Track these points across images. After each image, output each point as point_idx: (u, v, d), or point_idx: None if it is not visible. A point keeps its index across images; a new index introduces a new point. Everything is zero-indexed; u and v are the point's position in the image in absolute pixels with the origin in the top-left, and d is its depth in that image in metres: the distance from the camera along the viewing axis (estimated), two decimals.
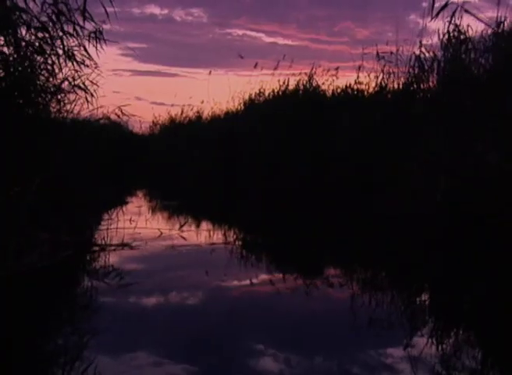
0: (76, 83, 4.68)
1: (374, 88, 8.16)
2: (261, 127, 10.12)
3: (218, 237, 5.27)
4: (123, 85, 25.25)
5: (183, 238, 4.92)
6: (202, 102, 14.23)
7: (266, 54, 31.98)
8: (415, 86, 7.13)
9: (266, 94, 11.17)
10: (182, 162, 13.36)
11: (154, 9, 27.01)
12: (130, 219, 5.76)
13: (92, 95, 5.10)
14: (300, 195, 8.39)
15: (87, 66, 4.69)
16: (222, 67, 28.96)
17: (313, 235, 5.63)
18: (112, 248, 4.24)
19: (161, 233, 5.09)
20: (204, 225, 6.24)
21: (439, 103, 6.07)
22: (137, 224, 5.47)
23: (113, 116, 5.77)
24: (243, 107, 11.87)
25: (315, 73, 9.87)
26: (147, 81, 25.53)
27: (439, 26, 8.34)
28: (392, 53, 7.56)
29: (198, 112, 14.23)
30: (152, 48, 26.17)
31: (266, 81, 11.43)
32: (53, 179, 3.53)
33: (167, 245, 4.53)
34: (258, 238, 5.63)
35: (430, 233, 5.20)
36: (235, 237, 5.49)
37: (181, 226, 5.49)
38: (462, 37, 6.24)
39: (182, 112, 15.02)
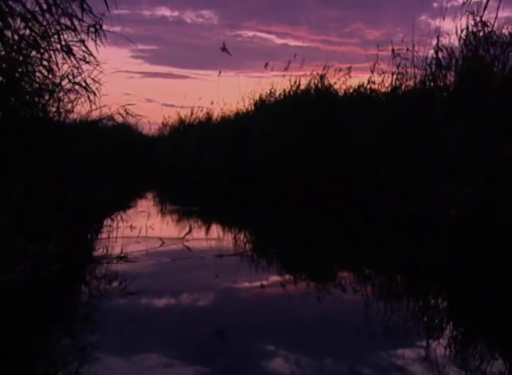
0: (76, 80, 4.44)
1: (388, 88, 7.88)
2: (272, 127, 9.92)
3: (226, 245, 4.75)
4: (134, 87, 25.20)
5: (188, 248, 4.41)
6: (212, 103, 14.10)
7: (277, 55, 31.82)
8: (432, 84, 6.85)
9: (277, 94, 11.01)
10: (191, 163, 13.20)
11: (165, 11, 26.91)
12: (131, 226, 5.32)
13: (94, 94, 4.87)
14: (311, 196, 8.14)
15: (88, 62, 4.45)
16: (233, 69, 28.73)
17: (325, 236, 5.46)
18: (106, 261, 3.76)
19: (163, 242, 4.60)
20: (212, 230, 5.81)
21: (459, 100, 5.78)
22: (138, 232, 5.01)
23: (117, 116, 5.47)
24: (253, 107, 11.67)
25: (327, 72, 9.63)
26: (158, 83, 25.41)
27: (451, 27, 8.08)
28: (408, 50, 7.29)
29: (208, 113, 14.08)
30: (163, 49, 26.08)
31: (277, 82, 11.26)
32: (43, 183, 3.25)
33: (168, 257, 4.04)
34: (270, 245, 5.11)
35: (450, 236, 4.95)
36: (244, 246, 4.93)
37: (185, 235, 4.99)
38: (487, 29, 5.99)
39: (191, 113, 14.87)
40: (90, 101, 4.85)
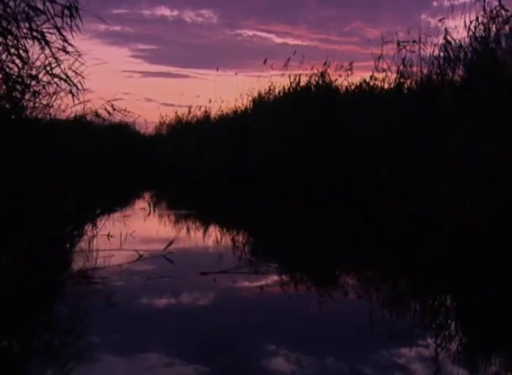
0: (55, 72, 4.06)
1: (391, 84, 7.51)
2: (271, 125, 9.58)
3: (216, 257, 4.05)
4: (133, 86, 25.02)
5: (170, 261, 3.79)
6: (210, 101, 13.72)
7: (277, 55, 31.51)
8: (439, 77, 6.48)
9: (276, 91, 10.67)
10: (190, 162, 12.87)
11: (165, 11, 26.72)
12: (109, 235, 4.61)
13: (77, 88, 4.48)
14: (312, 195, 7.79)
15: (67, 52, 4.07)
16: (233, 68, 28.44)
17: (326, 237, 5.20)
18: (63, 280, 3.14)
19: (140, 256, 3.91)
20: (205, 238, 5.14)
21: (468, 92, 5.41)
22: (115, 243, 4.31)
23: (103, 112, 5.02)
24: (252, 105, 11.31)
25: (328, 68, 9.25)
26: (158, 82, 25.19)
27: (455, 24, 7.81)
28: (414, 42, 6.92)
29: (206, 111, 13.73)
30: (162, 49, 25.83)
31: (276, 81, 10.94)
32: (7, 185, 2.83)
33: (142, 276, 3.34)
34: (267, 254, 4.58)
35: (452, 236, 4.63)
36: (238, 258, 4.10)
37: (167, 246, 4.18)
38: (506, 14, 5.67)
39: (189, 111, 14.52)
40: (72, 95, 4.47)
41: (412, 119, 6.31)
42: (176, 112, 15.34)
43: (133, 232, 4.87)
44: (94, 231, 4.84)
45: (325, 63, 9.08)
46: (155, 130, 16.31)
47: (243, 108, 11.72)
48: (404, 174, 5.73)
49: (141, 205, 7.87)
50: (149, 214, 6.69)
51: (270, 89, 10.80)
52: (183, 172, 12.93)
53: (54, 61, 4.03)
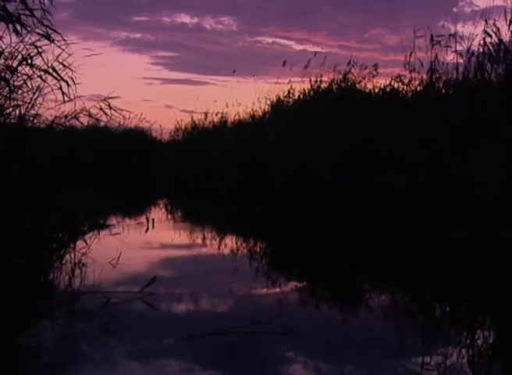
0: (35, 64, 3.48)
1: (422, 84, 6.82)
2: (290, 130, 8.93)
3: (214, 306, 3.04)
4: (154, 93, 24.90)
5: (150, 306, 2.89)
6: (227, 106, 13.15)
7: (296, 61, 31.10)
8: (478, 76, 5.79)
9: (296, 95, 10.08)
10: (205, 168, 12.32)
11: (185, 18, 26.62)
12: (79, 264, 3.70)
13: (67, 84, 3.91)
14: (336, 206, 7.08)
15: (52, 41, 3.49)
16: (252, 75, 28.04)
17: (352, 252, 4.79)
18: None
19: (108, 300, 2.93)
20: (208, 265, 4.18)
21: None
22: (90, 274, 3.46)
23: (96, 111, 4.41)
24: (270, 109, 10.70)
25: (351, 69, 8.61)
26: (178, 89, 24.96)
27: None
28: (451, 36, 6.24)
29: (223, 116, 13.16)
30: (182, 56, 25.59)
31: (296, 86, 10.40)
32: None
33: (99, 341, 2.36)
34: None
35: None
36: (243, 306, 3.02)
37: (146, 286, 3.19)
38: None
39: (206, 116, 13.96)
40: (62, 93, 3.89)
41: (450, 121, 5.64)
42: (192, 118, 14.82)
43: (115, 259, 3.85)
44: (67, 257, 3.96)
45: (349, 62, 8.44)
46: (171, 136, 15.80)
47: (260, 113, 11.13)
48: (446, 183, 5.03)
49: (140, 218, 6.79)
50: (146, 230, 5.72)
51: (289, 92, 10.23)
52: (197, 178, 12.37)
53: (36, 51, 3.48)
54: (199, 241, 5.42)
